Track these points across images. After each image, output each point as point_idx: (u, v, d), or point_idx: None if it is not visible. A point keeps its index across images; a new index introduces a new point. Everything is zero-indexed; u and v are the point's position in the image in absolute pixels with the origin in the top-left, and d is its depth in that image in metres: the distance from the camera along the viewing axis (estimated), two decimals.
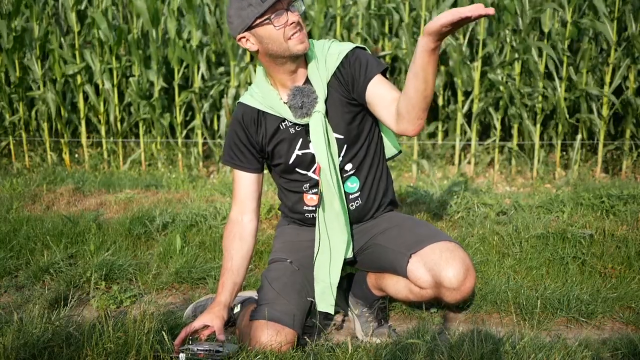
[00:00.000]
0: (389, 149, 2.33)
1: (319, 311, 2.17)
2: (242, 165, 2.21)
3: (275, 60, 2.06)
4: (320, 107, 2.08)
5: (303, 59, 2.11)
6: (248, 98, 2.19)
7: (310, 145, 2.14)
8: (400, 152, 2.36)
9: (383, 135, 2.30)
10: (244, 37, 2.03)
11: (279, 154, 2.19)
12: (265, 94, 2.14)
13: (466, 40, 5.08)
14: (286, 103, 2.11)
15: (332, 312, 2.16)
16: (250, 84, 5.18)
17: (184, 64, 5.29)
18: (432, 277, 2.02)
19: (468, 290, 2.02)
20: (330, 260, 2.14)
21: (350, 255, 2.18)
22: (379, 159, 2.27)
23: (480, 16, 1.60)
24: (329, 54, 2.11)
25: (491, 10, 1.58)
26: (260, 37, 2.01)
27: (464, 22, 1.64)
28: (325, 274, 2.14)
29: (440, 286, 2.01)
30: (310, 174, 2.19)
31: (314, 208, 2.23)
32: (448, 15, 1.63)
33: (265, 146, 2.19)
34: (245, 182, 2.22)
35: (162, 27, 5.30)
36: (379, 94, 2.01)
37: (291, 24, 1.97)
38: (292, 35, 1.99)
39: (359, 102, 2.12)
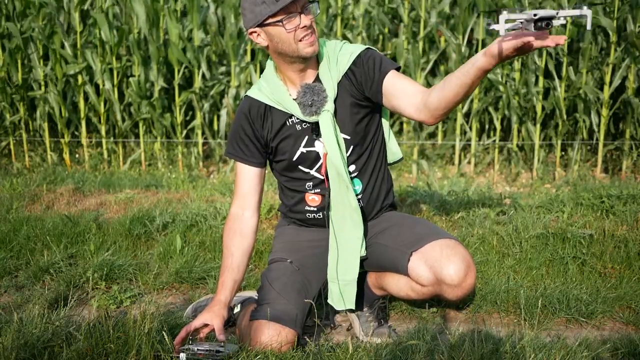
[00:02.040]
0: (392, 155, 2.33)
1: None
2: (246, 158, 2.20)
3: (285, 59, 2.07)
4: (330, 106, 2.09)
5: (314, 59, 2.11)
6: (256, 92, 2.19)
7: (316, 143, 2.14)
8: (402, 158, 2.36)
9: (386, 141, 2.30)
10: (255, 32, 2.04)
11: (283, 150, 2.19)
12: (274, 89, 2.15)
13: (465, 40, 5.08)
14: (295, 99, 2.12)
15: (354, 308, 2.18)
16: (251, 83, 5.20)
17: (184, 64, 5.29)
18: (433, 275, 2.03)
19: (469, 286, 2.02)
20: (346, 257, 2.15)
21: (363, 253, 2.18)
22: (381, 162, 2.27)
23: (547, 45, 1.58)
24: (341, 54, 2.12)
25: (561, 40, 1.56)
26: (270, 35, 2.02)
27: (527, 49, 1.61)
28: (344, 272, 2.15)
29: (441, 283, 2.02)
30: (313, 172, 2.19)
31: (315, 208, 2.23)
32: (513, 41, 1.60)
33: (270, 141, 2.19)
34: (248, 176, 2.21)
35: (163, 27, 5.30)
36: (400, 86, 2.02)
37: (303, 27, 1.98)
38: (303, 37, 1.99)
39: (370, 102, 2.12)
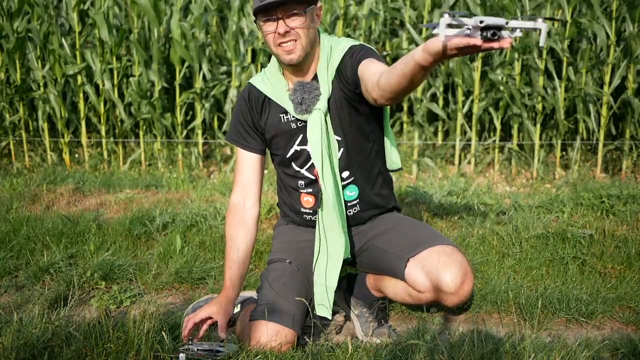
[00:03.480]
0: (392, 163, 2.29)
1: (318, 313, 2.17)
2: (247, 144, 2.20)
3: (276, 56, 2.08)
4: (322, 105, 2.06)
5: (314, 57, 2.09)
6: (258, 81, 2.19)
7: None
8: (400, 169, 2.32)
9: (387, 148, 2.27)
10: (257, 22, 2.06)
11: (277, 145, 2.19)
12: (274, 83, 2.15)
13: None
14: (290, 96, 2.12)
15: (330, 317, 2.13)
16: None
17: (185, 64, 5.29)
18: (430, 281, 2.01)
19: (466, 294, 2.00)
20: (327, 263, 2.12)
21: (347, 256, 2.16)
22: (378, 168, 2.24)
23: (492, 48, 1.37)
24: (336, 50, 2.09)
25: (506, 44, 1.35)
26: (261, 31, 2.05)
27: (472, 49, 1.41)
28: (322, 277, 2.13)
29: (438, 290, 2.00)
30: (303, 171, 2.18)
31: (310, 210, 2.23)
32: (456, 39, 1.39)
33: (265, 132, 2.19)
34: (248, 162, 2.20)
35: (163, 27, 5.30)
36: (369, 67, 1.91)
37: (278, 34, 1.97)
38: (280, 43, 1.99)
39: (362, 99, 2.03)
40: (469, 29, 1.38)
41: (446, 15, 1.36)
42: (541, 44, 1.34)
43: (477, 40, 1.36)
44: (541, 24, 1.34)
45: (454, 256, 2.01)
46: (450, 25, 1.38)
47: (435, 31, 1.39)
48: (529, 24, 1.36)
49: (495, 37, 1.35)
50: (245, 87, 2.22)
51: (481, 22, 1.34)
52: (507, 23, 1.35)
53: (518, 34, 1.37)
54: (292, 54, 2.00)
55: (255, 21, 2.05)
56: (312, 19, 2.02)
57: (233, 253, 2.13)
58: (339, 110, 2.10)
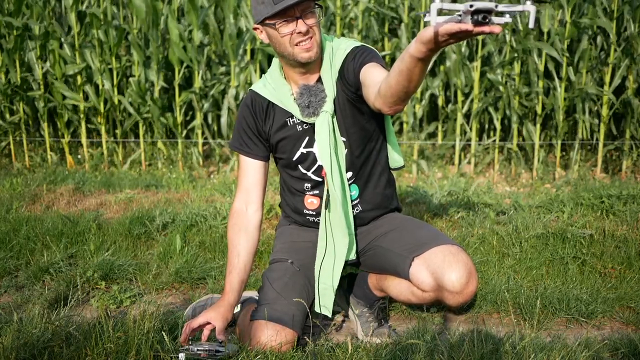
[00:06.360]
0: (394, 162, 2.30)
1: (319, 312, 2.17)
2: (251, 151, 2.19)
3: (284, 59, 2.07)
4: (329, 107, 2.07)
5: (318, 59, 2.08)
6: (260, 87, 2.19)
7: (315, 144, 2.13)
8: (403, 166, 2.33)
9: (389, 147, 2.27)
10: (258, 29, 2.06)
11: (283, 148, 2.18)
12: (277, 87, 2.14)
13: (465, 41, 5.08)
14: (296, 100, 2.11)
15: (330, 316, 2.15)
16: (250, 83, 5.20)
17: (185, 64, 5.29)
18: (434, 281, 2.01)
19: (470, 294, 2.00)
20: (332, 263, 2.13)
21: (353, 257, 2.17)
22: (382, 168, 2.24)
23: (482, 32, 1.38)
24: (339, 51, 2.09)
25: (497, 29, 1.36)
26: (269, 35, 2.03)
27: (464, 35, 1.41)
28: (326, 276, 2.13)
29: (442, 289, 2.00)
30: (310, 174, 2.19)
31: (313, 212, 2.23)
32: (447, 25, 1.40)
33: (270, 137, 2.18)
34: (252, 169, 2.20)
35: (162, 27, 5.30)
36: (371, 73, 1.92)
37: (298, 33, 1.97)
38: (299, 42, 1.98)
39: (362, 100, 2.04)
40: (459, 14, 1.40)
41: (437, 1, 1.36)
42: (531, 25, 1.35)
43: (468, 25, 1.37)
44: (530, 6, 1.35)
45: (459, 256, 2.01)
46: (442, 13, 1.39)
47: (426, 19, 1.40)
48: (517, 7, 1.36)
49: (486, 21, 1.36)
50: (248, 95, 2.21)
51: (471, 6, 1.35)
52: (496, 6, 1.36)
53: (507, 19, 1.38)
54: (310, 52, 2.00)
55: (260, 27, 2.03)
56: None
57: (234, 258, 2.12)
58: (342, 111, 2.11)
